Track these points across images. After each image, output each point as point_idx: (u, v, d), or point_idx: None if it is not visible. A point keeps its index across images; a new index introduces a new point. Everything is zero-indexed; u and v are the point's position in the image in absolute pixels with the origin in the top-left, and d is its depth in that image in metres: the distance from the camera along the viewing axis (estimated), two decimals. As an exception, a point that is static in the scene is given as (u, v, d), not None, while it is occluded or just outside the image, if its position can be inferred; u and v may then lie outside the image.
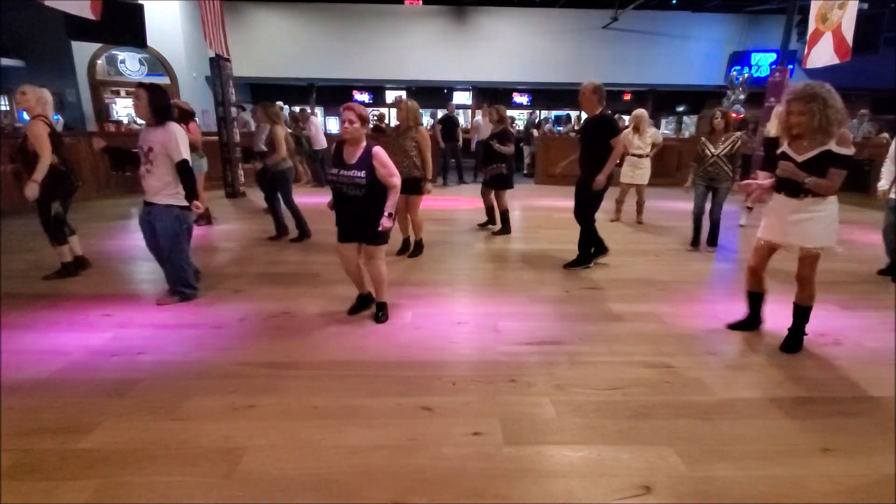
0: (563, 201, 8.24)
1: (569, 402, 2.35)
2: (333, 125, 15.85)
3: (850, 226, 5.82)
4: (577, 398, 2.39)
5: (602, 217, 4.42)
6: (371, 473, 1.86)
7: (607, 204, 5.05)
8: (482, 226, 6.14)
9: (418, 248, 4.90)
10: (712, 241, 5.13)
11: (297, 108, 5.98)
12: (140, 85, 3.24)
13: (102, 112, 10.90)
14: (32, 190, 3.59)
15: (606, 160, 4.00)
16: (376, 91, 16.97)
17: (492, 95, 15.84)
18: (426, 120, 16.62)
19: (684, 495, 1.78)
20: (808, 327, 3.17)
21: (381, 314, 3.26)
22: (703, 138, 5.10)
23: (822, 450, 2.03)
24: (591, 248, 4.45)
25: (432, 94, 16.28)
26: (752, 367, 2.72)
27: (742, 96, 11.64)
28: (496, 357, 2.80)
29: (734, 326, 3.22)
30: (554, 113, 16.42)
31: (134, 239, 5.37)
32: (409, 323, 3.26)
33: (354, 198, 2.98)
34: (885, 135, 9.02)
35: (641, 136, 6.20)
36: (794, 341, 2.90)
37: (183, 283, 3.55)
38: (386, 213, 2.96)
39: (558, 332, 3.14)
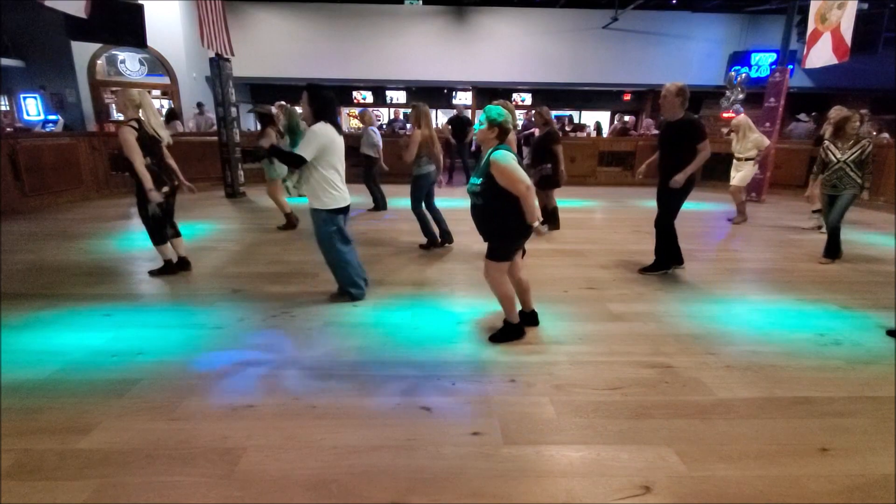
0: (562, 201, 8.24)
1: (568, 402, 2.35)
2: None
3: (850, 225, 5.81)
4: (576, 398, 2.39)
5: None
6: (371, 473, 1.87)
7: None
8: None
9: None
10: (828, 252, 4.68)
11: (273, 108, 5.25)
12: (305, 88, 3.22)
13: (102, 112, 10.89)
14: (154, 198, 3.72)
15: (689, 164, 3.86)
16: (376, 91, 16.96)
17: (492, 95, 15.83)
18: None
19: (683, 495, 1.78)
20: (807, 327, 3.18)
21: (496, 333, 3.01)
22: (826, 142, 4.71)
23: (821, 450, 2.04)
24: (670, 252, 4.24)
25: (433, 94, 16.27)
26: (751, 367, 2.72)
27: (741, 96, 11.65)
28: (496, 357, 2.80)
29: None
30: (554, 113, 16.37)
31: (133, 239, 5.37)
32: (409, 323, 3.26)
33: (474, 206, 2.80)
34: (886, 135, 9.01)
35: (741, 141, 6.39)
36: None
37: (348, 282, 3.54)
38: (534, 223, 2.63)
39: (558, 332, 3.14)
